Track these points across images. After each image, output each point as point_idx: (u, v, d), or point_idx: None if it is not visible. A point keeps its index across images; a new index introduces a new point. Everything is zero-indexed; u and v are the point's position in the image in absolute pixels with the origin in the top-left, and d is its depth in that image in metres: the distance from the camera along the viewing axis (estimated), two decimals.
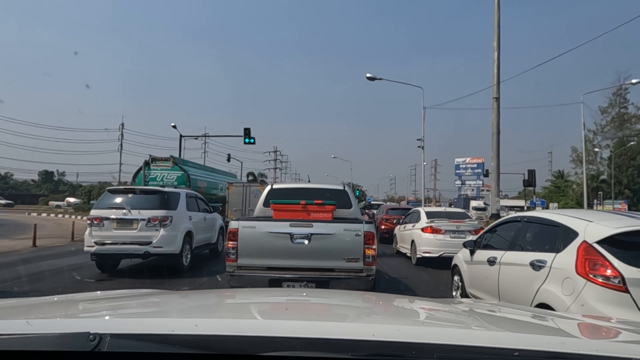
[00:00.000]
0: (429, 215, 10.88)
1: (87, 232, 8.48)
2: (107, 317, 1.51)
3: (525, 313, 1.99)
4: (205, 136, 37.78)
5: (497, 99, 19.64)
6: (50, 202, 54.63)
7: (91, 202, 48.90)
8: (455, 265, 6.13)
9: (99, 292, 2.22)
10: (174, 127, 27.06)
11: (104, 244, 8.26)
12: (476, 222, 11.56)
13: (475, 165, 64.16)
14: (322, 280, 5.07)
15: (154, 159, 18.04)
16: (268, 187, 6.70)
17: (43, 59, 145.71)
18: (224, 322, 1.36)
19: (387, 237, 16.80)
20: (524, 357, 1.06)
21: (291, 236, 5.13)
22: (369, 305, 2.11)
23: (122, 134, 56.54)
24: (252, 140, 25.11)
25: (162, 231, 8.30)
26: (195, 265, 9.43)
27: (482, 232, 5.73)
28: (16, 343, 1.10)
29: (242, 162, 46.46)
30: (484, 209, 55.04)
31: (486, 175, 47.57)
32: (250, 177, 50.42)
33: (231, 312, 1.84)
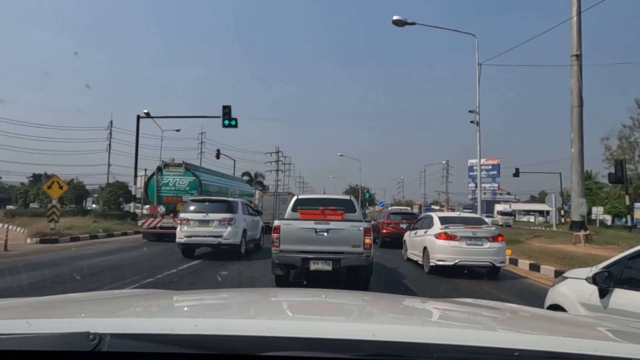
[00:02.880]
0: (443, 220, 10.19)
1: (178, 229, 11.91)
2: (107, 317, 1.51)
3: (526, 313, 1.98)
4: (170, 117, 29.42)
5: (579, 56, 14.13)
6: (8, 206, 46.06)
7: (31, 206, 40.57)
8: (558, 308, 3.91)
9: (99, 292, 2.22)
10: (147, 114, 24.38)
11: (190, 236, 11.67)
12: (493, 227, 10.47)
13: (490, 167, 60.47)
14: (336, 259, 7.15)
15: (166, 165, 18.14)
16: (295, 198, 8.62)
17: (32, 58, 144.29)
18: (224, 322, 1.36)
19: (389, 242, 16.09)
20: (524, 357, 1.06)
21: (315, 230, 7.24)
22: (369, 305, 2.11)
23: (110, 133, 53.08)
24: (233, 122, 21.44)
25: (229, 228, 11.75)
26: (247, 255, 12.66)
27: (619, 257, 3.56)
28: (16, 343, 1.10)
29: (234, 160, 43.71)
30: (510, 214, 51.76)
31: (516, 174, 42.87)
32: (247, 178, 50.25)
33: (231, 312, 1.84)
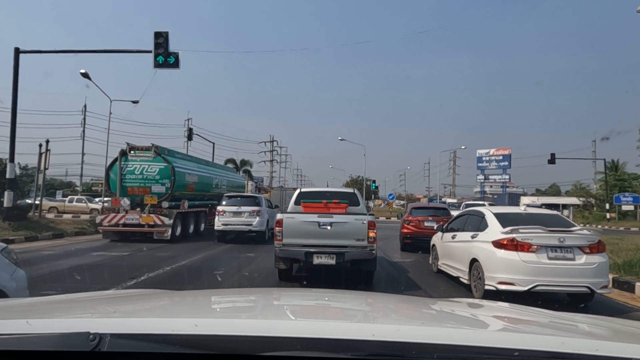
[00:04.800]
0: (502, 219, 6.79)
1: (216, 219, 14.84)
2: (107, 317, 1.51)
3: (526, 313, 1.98)
4: (78, 52, 18.40)
5: None
6: None
7: None
8: None
9: (99, 292, 2.22)
10: (85, 75, 20.47)
11: (226, 225, 14.72)
12: (587, 232, 6.53)
13: (500, 157, 56.81)
14: (340, 252, 7.07)
15: (132, 148, 15.08)
16: (298, 191, 8.52)
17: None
18: (224, 322, 1.37)
19: (410, 244, 13.12)
20: (524, 357, 1.06)
21: (319, 223, 7.18)
22: (369, 305, 2.11)
23: (84, 119, 45.84)
24: (171, 59, 14.67)
25: (257, 218, 14.71)
26: (268, 241, 14.51)
27: None
28: (16, 343, 1.10)
29: (213, 143, 36.59)
30: (539, 208, 48.51)
31: (552, 161, 34.65)
32: (231, 165, 48.62)
33: (231, 312, 1.84)
